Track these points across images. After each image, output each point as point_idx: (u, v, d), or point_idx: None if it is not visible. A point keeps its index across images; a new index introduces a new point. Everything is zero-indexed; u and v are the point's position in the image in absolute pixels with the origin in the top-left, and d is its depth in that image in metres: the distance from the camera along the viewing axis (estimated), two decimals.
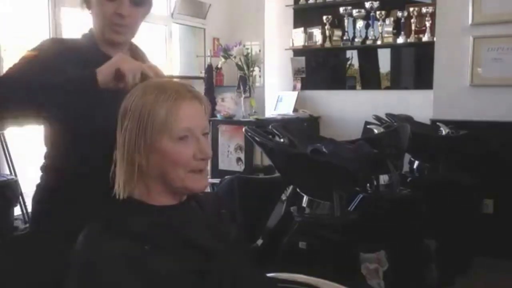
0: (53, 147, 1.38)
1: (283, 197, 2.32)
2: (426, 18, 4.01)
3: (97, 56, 1.34)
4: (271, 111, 4.56)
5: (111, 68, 1.19)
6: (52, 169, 1.38)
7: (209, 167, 3.80)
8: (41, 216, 1.40)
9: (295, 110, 4.45)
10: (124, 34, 1.39)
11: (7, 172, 3.03)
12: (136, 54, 1.50)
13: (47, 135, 1.38)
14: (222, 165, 3.96)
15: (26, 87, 1.18)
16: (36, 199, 1.41)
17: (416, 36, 4.11)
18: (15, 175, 3.00)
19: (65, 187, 1.33)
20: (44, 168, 1.40)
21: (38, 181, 1.42)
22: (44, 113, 1.23)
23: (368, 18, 4.30)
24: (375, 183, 2.55)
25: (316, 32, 4.56)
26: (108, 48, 1.39)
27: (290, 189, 2.30)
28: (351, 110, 4.36)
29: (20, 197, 2.96)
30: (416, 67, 4.49)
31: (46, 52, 1.31)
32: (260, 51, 4.43)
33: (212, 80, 4.39)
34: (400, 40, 4.15)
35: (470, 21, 3.45)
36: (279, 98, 4.62)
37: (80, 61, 1.30)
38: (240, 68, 4.14)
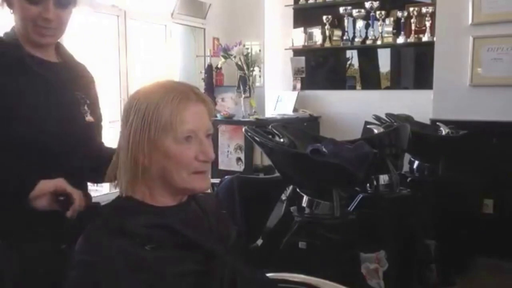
0: None
1: (283, 197, 2.31)
2: (426, 18, 4.01)
3: (22, 56, 1.31)
4: (271, 111, 4.56)
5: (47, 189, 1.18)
6: None
7: None
8: None
9: (295, 110, 4.45)
10: (51, 36, 1.34)
11: None
12: (63, 54, 1.45)
13: None
14: (222, 165, 3.96)
15: None
16: None
17: (416, 36, 4.11)
18: None
19: None
20: None
21: None
22: None
23: (368, 18, 4.30)
24: (375, 183, 2.55)
25: (316, 32, 4.56)
26: (33, 48, 1.34)
27: (290, 189, 2.30)
28: (351, 110, 4.36)
29: None
30: (416, 67, 4.49)
31: None
32: (260, 51, 4.43)
33: (212, 80, 4.38)
34: (400, 40, 4.16)
35: (470, 21, 3.45)
36: (279, 98, 4.62)
37: (5, 62, 1.28)
38: (240, 68, 4.13)
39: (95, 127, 1.46)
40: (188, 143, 1.02)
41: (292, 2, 4.68)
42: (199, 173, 1.05)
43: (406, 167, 3.16)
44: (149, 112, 1.00)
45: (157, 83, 1.09)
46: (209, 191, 1.74)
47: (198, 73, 4.52)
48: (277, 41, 4.72)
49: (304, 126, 4.33)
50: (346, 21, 4.42)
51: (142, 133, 1.01)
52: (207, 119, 1.07)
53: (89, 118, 1.42)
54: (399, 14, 4.15)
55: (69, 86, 1.39)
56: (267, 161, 3.62)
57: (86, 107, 1.42)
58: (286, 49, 4.71)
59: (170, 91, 1.03)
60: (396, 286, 2.30)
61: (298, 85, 4.69)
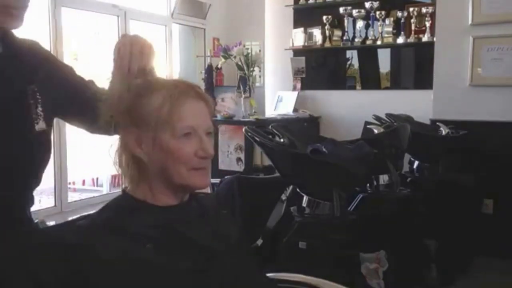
0: None
1: (283, 197, 2.32)
2: (426, 18, 4.01)
3: None
4: (271, 111, 4.56)
5: None
6: None
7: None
8: None
9: (295, 110, 4.45)
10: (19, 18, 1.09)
11: None
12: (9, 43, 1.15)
13: None
14: (222, 165, 3.96)
15: None
16: None
17: (416, 36, 4.11)
18: None
19: None
20: None
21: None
22: None
23: (368, 18, 4.30)
24: (375, 183, 2.56)
25: (316, 32, 4.56)
26: None
27: (290, 189, 2.30)
28: (351, 110, 4.36)
29: None
30: (416, 67, 4.49)
31: None
32: (260, 51, 4.43)
33: (212, 80, 4.39)
34: (400, 40, 4.15)
35: (470, 21, 3.45)
36: (279, 98, 4.62)
37: None
38: (240, 68, 4.14)
39: (47, 136, 1.19)
40: (187, 139, 1.03)
41: (292, 2, 4.68)
42: (198, 169, 1.05)
43: (406, 167, 3.16)
44: (150, 110, 1.01)
45: (156, 80, 1.09)
46: (209, 191, 1.74)
47: (198, 73, 4.52)
48: (277, 41, 4.72)
49: (304, 126, 4.33)
50: (346, 21, 4.42)
51: (142, 130, 1.01)
52: (207, 117, 1.07)
53: (40, 125, 1.14)
54: (399, 14, 4.15)
55: (16, 81, 1.11)
56: (267, 161, 3.62)
57: (39, 109, 1.14)
58: (286, 49, 4.71)
59: (172, 88, 1.04)
60: (396, 286, 2.30)
61: (298, 85, 4.69)
